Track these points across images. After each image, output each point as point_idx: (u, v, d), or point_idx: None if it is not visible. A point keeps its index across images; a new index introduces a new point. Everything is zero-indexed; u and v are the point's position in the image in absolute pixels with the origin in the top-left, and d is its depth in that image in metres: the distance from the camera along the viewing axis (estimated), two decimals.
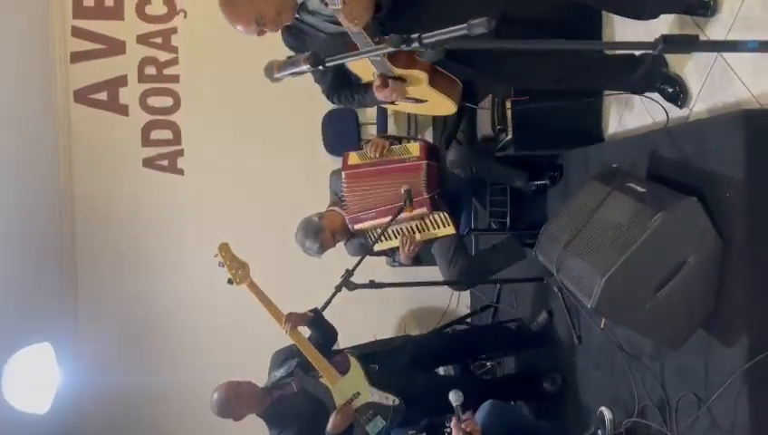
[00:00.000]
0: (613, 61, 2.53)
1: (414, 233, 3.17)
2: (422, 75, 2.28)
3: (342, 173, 3.18)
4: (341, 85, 2.41)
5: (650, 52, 1.22)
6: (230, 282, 2.93)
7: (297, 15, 2.17)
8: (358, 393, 2.89)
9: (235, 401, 2.86)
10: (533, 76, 2.47)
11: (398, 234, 3.22)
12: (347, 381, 2.89)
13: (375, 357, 3.01)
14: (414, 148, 3.08)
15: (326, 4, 1.97)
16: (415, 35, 1.27)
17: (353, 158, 3.18)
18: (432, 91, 2.36)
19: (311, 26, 2.19)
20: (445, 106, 2.45)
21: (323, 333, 3.05)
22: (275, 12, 2.05)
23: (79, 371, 3.87)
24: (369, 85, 2.35)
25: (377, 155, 3.10)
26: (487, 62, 2.35)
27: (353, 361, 2.91)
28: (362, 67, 2.27)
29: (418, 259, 3.29)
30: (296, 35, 2.24)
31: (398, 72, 2.27)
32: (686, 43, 1.20)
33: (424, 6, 2.04)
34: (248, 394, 2.89)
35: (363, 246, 3.28)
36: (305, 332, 3.02)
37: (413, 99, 2.43)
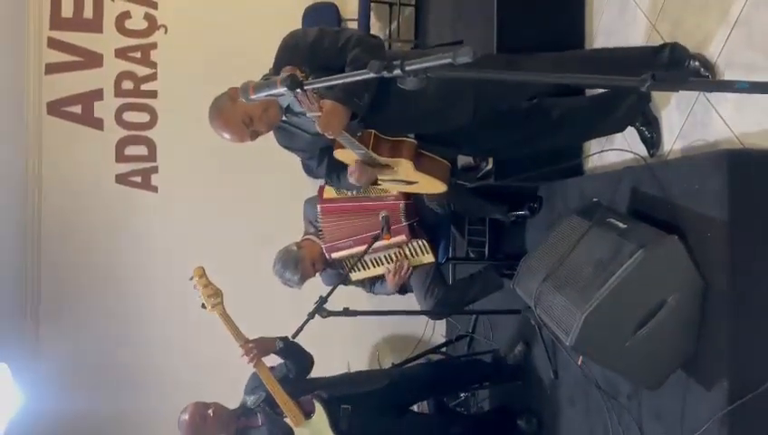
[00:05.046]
0: (594, 106, 2.53)
1: (396, 261, 3.11)
2: (407, 163, 2.32)
3: (318, 207, 3.11)
4: (335, 173, 2.46)
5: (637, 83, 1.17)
6: (203, 307, 2.85)
7: (285, 118, 2.24)
8: None
9: (202, 423, 2.81)
10: (517, 150, 2.56)
11: (376, 263, 3.16)
12: (311, 424, 2.80)
13: (348, 398, 2.89)
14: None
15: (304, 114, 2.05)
16: (397, 62, 1.22)
17: (329, 191, 3.10)
18: (419, 174, 2.40)
19: (296, 127, 2.26)
20: (435, 186, 2.50)
21: (296, 362, 2.96)
22: (261, 109, 2.12)
23: (38, 393, 3.70)
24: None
25: (353, 192, 3.02)
26: (470, 142, 2.44)
27: (318, 406, 2.80)
28: (350, 157, 2.30)
29: (404, 288, 3.22)
30: (285, 135, 2.32)
31: (383, 160, 2.31)
32: (675, 82, 1.17)
33: (400, 109, 2.11)
34: (216, 416, 2.84)
35: (340, 275, 3.21)
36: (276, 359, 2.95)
37: (403, 181, 2.47)
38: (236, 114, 2.11)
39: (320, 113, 1.95)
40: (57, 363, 3.99)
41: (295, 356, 2.95)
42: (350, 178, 2.35)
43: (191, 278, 2.85)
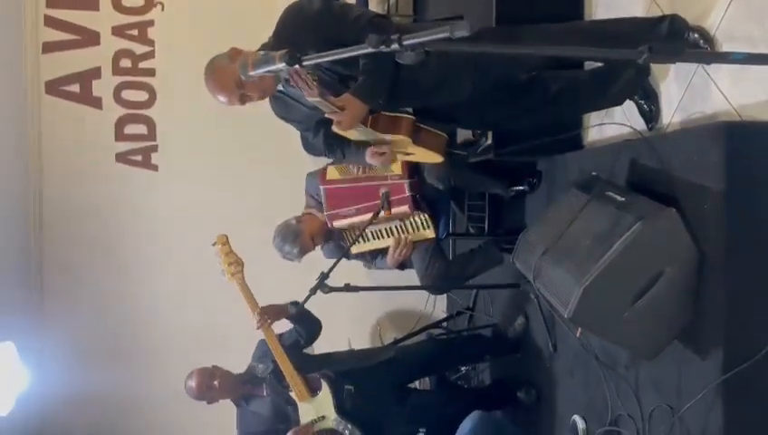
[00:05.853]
0: (593, 79, 2.53)
1: (398, 234, 3.13)
2: (406, 139, 2.36)
3: (321, 188, 3.12)
4: (333, 145, 2.48)
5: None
6: (223, 274, 2.89)
7: (281, 88, 2.22)
8: (323, 417, 2.84)
9: (207, 388, 2.94)
10: (517, 124, 2.60)
11: (378, 236, 3.17)
12: (315, 401, 2.84)
13: (353, 376, 2.94)
14: (395, 165, 2.93)
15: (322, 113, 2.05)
16: (395, 36, 1.23)
17: (332, 172, 3.10)
18: (417, 148, 2.43)
19: (293, 99, 2.25)
20: (431, 157, 2.53)
21: (306, 327, 3.02)
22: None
23: (44, 371, 3.75)
24: (357, 144, 2.44)
25: (357, 172, 3.03)
26: (469, 116, 2.48)
27: (324, 385, 2.84)
28: (349, 131, 2.30)
29: (403, 264, 3.23)
30: (282, 105, 2.31)
31: (381, 136, 2.33)
32: (672, 54, 1.18)
33: (400, 85, 2.11)
34: (221, 380, 2.97)
35: (341, 248, 3.23)
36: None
37: (400, 152, 2.50)
38: (231, 74, 2.06)
39: (324, 101, 1.91)
40: (62, 340, 4.01)
41: (306, 322, 3.01)
42: (371, 159, 2.39)
43: (214, 244, 2.88)
